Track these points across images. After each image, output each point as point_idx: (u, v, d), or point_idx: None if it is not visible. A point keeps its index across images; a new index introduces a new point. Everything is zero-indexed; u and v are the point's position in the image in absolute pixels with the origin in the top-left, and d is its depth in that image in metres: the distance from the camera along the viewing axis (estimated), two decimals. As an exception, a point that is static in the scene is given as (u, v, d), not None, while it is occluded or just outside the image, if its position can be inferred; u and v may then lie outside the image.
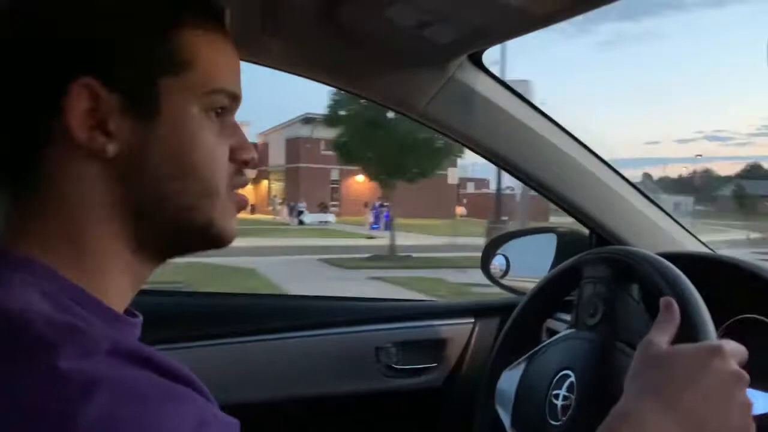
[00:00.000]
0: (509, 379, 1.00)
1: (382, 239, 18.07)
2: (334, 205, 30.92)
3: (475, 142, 1.14)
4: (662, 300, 0.67)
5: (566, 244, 1.33)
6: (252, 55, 1.00)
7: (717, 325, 0.72)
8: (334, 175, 30.77)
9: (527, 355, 0.99)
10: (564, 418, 0.84)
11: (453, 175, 23.15)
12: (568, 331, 0.96)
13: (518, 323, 1.07)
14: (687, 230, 1.27)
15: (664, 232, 1.24)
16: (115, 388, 0.38)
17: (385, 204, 24.48)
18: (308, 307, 1.42)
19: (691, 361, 0.59)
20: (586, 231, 1.29)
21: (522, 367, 0.98)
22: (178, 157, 0.50)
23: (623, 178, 1.25)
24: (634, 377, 0.61)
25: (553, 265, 1.28)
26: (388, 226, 21.98)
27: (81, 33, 0.48)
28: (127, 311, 0.53)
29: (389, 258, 11.79)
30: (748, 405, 0.58)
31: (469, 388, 1.14)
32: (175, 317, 1.23)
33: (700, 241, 1.27)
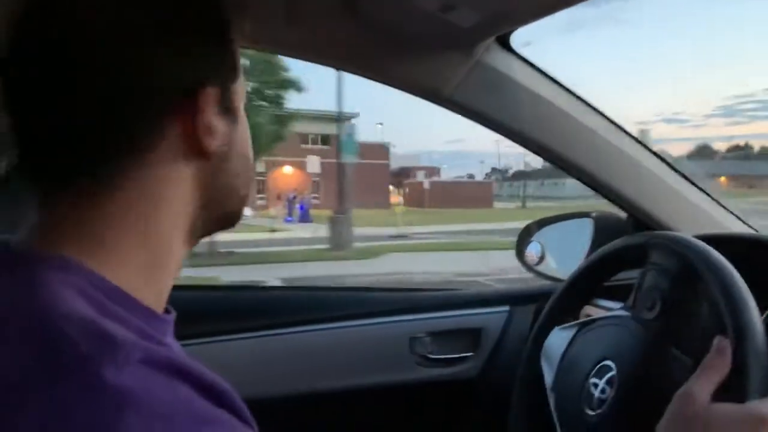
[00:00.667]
0: (559, 339, 0.97)
1: (290, 232, 17.65)
2: (260, 198, 29.41)
3: (506, 128, 1.11)
4: (715, 341, 0.63)
5: (603, 228, 1.29)
6: (273, 45, 0.99)
7: (763, 309, 0.69)
8: (260, 167, 28.54)
9: (580, 321, 0.95)
10: (599, 411, 0.81)
11: (313, 164, 22.56)
12: (623, 313, 0.89)
13: (573, 287, 1.04)
14: (730, 211, 1.22)
15: (705, 214, 1.19)
16: (144, 407, 0.37)
17: (297, 195, 24.12)
18: (342, 298, 1.41)
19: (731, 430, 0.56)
20: (623, 215, 1.26)
21: (573, 331, 0.95)
22: (245, 153, 0.55)
23: (661, 159, 1.20)
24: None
25: (590, 251, 1.25)
26: (306, 218, 21.64)
27: (212, 44, 0.50)
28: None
29: (208, 255, 10.35)
30: None
31: (505, 378, 1.12)
32: (200, 312, 1.24)
33: (744, 222, 1.22)
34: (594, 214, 1.32)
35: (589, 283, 1.03)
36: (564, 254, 1.38)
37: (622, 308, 0.92)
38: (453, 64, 1.03)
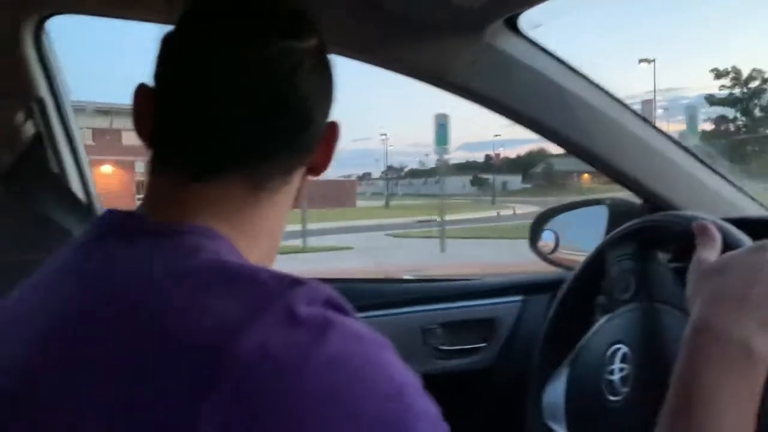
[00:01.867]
0: (554, 391, 0.96)
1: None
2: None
3: (517, 113, 1.09)
4: (694, 225, 0.69)
5: (619, 215, 1.26)
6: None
7: None
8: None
9: (568, 360, 0.95)
10: (625, 389, 0.82)
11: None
12: (603, 317, 0.92)
13: (565, 305, 1.02)
14: (749, 196, 1.20)
15: (723, 198, 1.17)
16: (342, 331, 0.42)
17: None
18: (352, 289, 1.39)
19: (746, 260, 0.60)
20: (637, 201, 1.23)
21: (565, 373, 0.94)
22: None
23: (677, 143, 1.18)
24: (697, 292, 0.61)
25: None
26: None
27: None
28: None
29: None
30: None
31: (519, 368, 1.10)
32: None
33: (763, 206, 1.19)
34: (608, 201, 1.30)
35: (583, 296, 1.01)
36: (578, 242, 1.36)
37: (599, 315, 0.94)
38: (461, 48, 1.01)
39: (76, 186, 1.28)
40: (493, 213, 19.10)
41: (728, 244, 0.68)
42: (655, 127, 1.14)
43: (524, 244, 1.41)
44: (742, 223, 0.79)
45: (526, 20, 1.03)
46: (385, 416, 0.41)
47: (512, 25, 1.02)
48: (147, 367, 0.40)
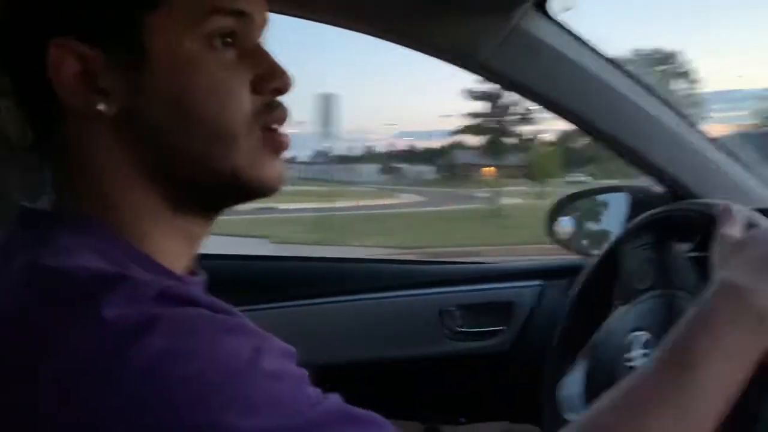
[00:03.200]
0: (572, 383, 0.94)
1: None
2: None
3: (542, 97, 1.09)
4: (719, 206, 0.69)
5: (641, 203, 1.26)
6: (293, 7, 0.96)
7: None
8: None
9: (586, 349, 0.94)
10: None
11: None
12: (622, 307, 0.91)
13: (583, 294, 1.02)
14: None
15: (746, 189, 1.16)
16: (167, 325, 0.38)
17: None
18: (371, 270, 1.40)
19: None
20: (659, 189, 1.22)
21: (583, 364, 0.93)
22: (177, 103, 0.45)
23: (703, 134, 1.17)
24: (722, 263, 0.59)
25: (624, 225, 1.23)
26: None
27: None
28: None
29: None
30: None
31: (537, 352, 1.11)
32: (228, 281, 1.23)
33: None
34: (631, 188, 1.29)
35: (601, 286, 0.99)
36: (597, 229, 1.36)
37: (616, 308, 0.92)
38: (489, 30, 1.00)
39: None
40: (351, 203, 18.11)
41: (751, 224, 0.67)
42: (683, 116, 1.13)
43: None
44: (766, 213, 0.79)
45: (557, 3, 1.02)
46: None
47: (541, 8, 1.01)
48: None
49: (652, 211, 0.94)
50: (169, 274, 0.47)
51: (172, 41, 0.44)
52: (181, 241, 0.50)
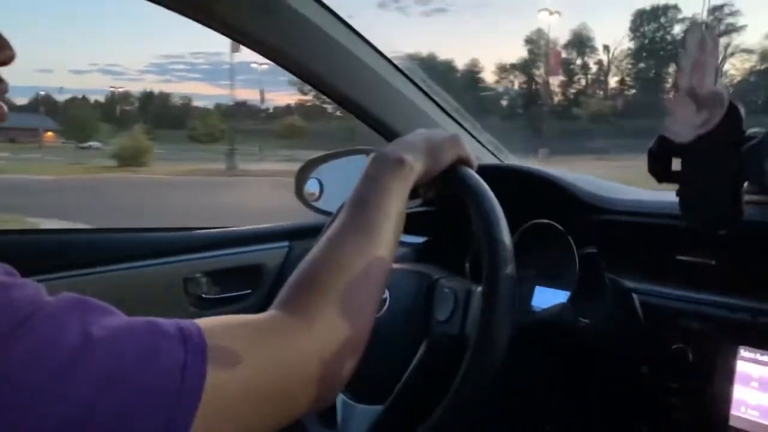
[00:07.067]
0: None
1: None
2: None
3: (278, 52, 1.08)
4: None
5: None
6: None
7: (513, 230, 0.74)
8: None
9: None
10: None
11: None
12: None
13: None
14: (482, 144, 1.33)
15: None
16: None
17: None
18: (111, 240, 1.28)
19: (429, 132, 0.77)
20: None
21: None
22: None
23: (430, 97, 1.27)
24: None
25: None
26: None
27: None
28: None
29: None
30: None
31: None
32: None
33: (492, 152, 1.33)
34: (370, 150, 1.36)
35: None
36: (341, 190, 1.40)
37: None
38: None
39: None
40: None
41: (486, 227, 0.72)
42: (410, 80, 1.21)
43: None
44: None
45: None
46: None
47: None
48: None
49: None
50: None
51: None
52: None
